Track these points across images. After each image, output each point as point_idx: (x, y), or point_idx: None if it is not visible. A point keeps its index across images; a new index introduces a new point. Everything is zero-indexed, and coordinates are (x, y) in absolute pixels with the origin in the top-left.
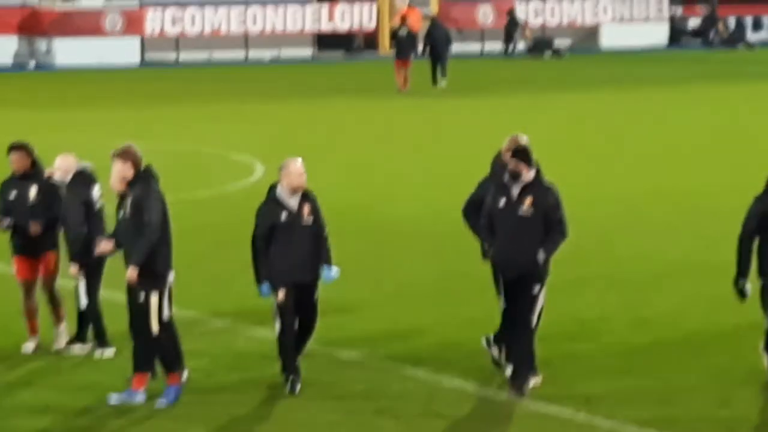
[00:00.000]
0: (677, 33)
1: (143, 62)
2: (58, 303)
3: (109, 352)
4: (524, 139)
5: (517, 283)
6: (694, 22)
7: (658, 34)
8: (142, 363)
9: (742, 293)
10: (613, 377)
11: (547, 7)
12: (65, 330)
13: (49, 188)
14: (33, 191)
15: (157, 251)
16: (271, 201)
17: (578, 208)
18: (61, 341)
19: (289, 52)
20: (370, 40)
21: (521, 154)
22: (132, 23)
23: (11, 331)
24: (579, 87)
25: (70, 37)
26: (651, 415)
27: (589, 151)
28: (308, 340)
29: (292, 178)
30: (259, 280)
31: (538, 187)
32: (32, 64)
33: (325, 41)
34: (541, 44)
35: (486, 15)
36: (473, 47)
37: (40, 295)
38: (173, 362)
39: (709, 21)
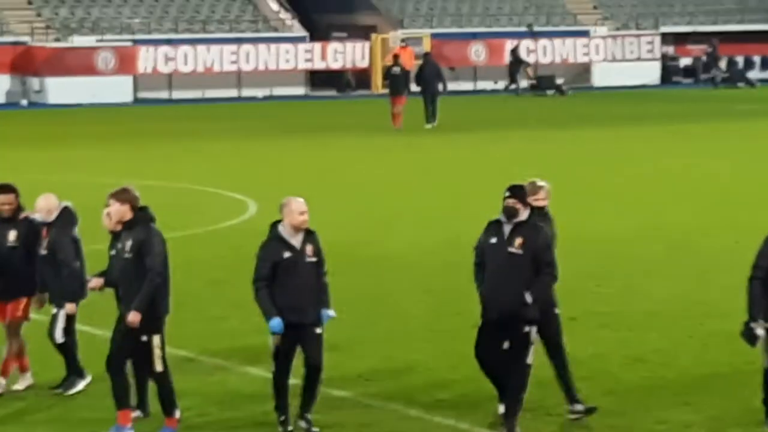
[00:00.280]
0: (669, 72)
1: (136, 100)
2: (21, 350)
3: (80, 385)
4: (544, 184)
5: (504, 324)
6: (685, 61)
7: (650, 73)
8: (123, 400)
9: (752, 338)
10: (606, 415)
11: (539, 45)
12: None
13: (29, 231)
14: (12, 235)
15: (159, 294)
16: (274, 239)
17: (570, 244)
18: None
19: (281, 91)
20: (363, 79)
21: (519, 192)
22: (125, 61)
23: None
24: (571, 124)
25: (62, 75)
26: None
27: (580, 188)
28: (317, 386)
29: (294, 217)
30: (268, 317)
31: (529, 228)
32: (24, 102)
33: (318, 80)
34: (543, 82)
35: (478, 53)
36: (466, 85)
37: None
38: (173, 403)
39: (711, 60)
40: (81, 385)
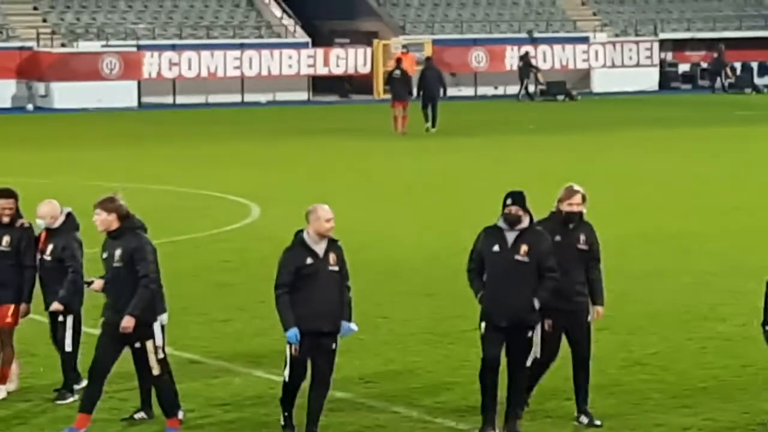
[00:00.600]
0: (667, 78)
1: (140, 105)
2: (9, 359)
3: (70, 399)
4: (580, 189)
5: (510, 330)
6: (684, 67)
7: (648, 79)
8: (89, 406)
9: None
10: (605, 418)
11: (539, 50)
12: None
13: (22, 237)
14: (5, 240)
15: (153, 300)
16: (298, 245)
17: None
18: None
19: (284, 96)
20: (365, 84)
21: (520, 199)
22: (129, 67)
23: None
24: (572, 129)
25: (68, 80)
26: None
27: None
28: (323, 401)
29: (320, 224)
30: (286, 327)
31: (533, 234)
32: (30, 107)
33: (321, 85)
34: (554, 87)
35: (479, 59)
36: (467, 91)
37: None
38: (173, 405)
39: (718, 66)
40: (70, 400)
